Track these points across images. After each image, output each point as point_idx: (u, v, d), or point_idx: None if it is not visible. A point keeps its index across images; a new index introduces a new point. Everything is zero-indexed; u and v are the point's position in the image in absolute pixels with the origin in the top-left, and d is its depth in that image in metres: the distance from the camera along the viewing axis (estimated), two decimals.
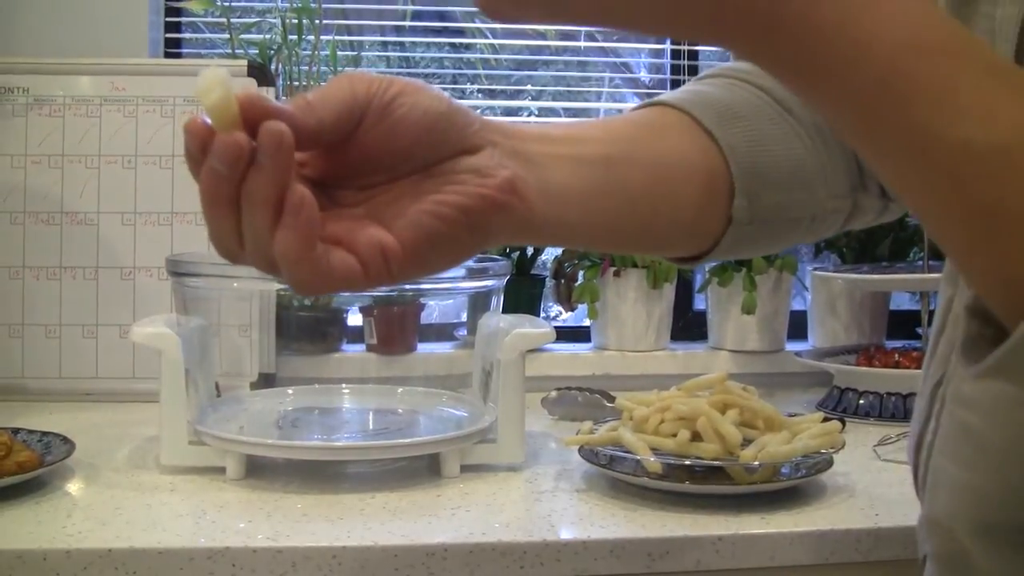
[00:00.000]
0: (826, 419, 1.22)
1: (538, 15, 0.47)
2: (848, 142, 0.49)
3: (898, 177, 0.48)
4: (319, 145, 0.55)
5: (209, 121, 0.52)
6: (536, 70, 2.19)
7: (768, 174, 0.72)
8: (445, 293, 1.63)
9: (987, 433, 0.52)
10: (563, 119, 2.19)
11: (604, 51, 2.18)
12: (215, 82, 0.51)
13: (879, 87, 0.45)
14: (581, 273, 1.82)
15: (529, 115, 2.20)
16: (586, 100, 2.22)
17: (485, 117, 0.61)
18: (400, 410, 1.44)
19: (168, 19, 1.92)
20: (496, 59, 2.15)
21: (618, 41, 2.17)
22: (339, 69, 1.83)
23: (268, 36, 1.83)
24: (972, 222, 0.46)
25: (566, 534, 1.06)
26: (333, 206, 0.57)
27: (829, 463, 1.20)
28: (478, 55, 2.13)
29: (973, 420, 0.54)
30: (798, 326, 1.93)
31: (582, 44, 2.15)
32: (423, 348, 1.78)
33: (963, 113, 0.44)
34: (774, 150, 0.72)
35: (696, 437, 1.16)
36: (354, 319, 1.79)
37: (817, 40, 0.45)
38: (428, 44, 2.11)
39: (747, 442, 1.16)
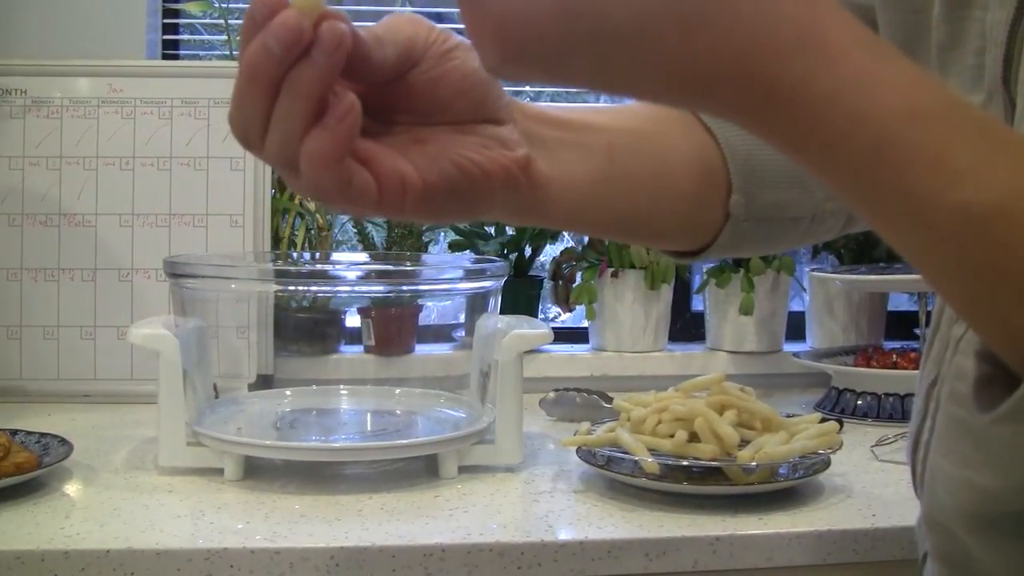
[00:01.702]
0: (824, 420, 1.22)
1: (539, 78, 0.47)
2: (848, 207, 0.49)
3: (899, 241, 0.48)
4: (378, 78, 0.56)
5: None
6: None
7: (765, 172, 0.72)
8: (443, 294, 1.63)
9: (984, 435, 0.53)
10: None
11: None
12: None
13: (875, 155, 0.45)
14: (579, 274, 1.82)
15: None
16: (584, 100, 2.22)
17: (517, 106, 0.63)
18: (398, 411, 1.44)
19: (166, 21, 1.92)
20: None
21: None
22: None
23: None
24: (973, 283, 0.46)
25: (564, 535, 1.06)
26: (366, 130, 0.57)
27: (827, 464, 1.20)
28: None
29: (974, 420, 0.53)
30: (796, 327, 1.93)
31: None
32: (421, 349, 1.78)
33: (959, 177, 0.44)
34: (772, 149, 0.72)
35: (694, 438, 1.16)
36: (352, 320, 1.79)
37: (812, 111, 0.45)
38: None
39: (745, 443, 1.16)
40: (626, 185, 0.67)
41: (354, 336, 1.79)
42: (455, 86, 0.58)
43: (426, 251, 1.81)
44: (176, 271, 1.28)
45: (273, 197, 1.71)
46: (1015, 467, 0.51)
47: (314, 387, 1.53)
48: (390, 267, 1.53)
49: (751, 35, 0.44)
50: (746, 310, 1.79)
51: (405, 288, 1.49)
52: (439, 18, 2.09)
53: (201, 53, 1.99)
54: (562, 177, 0.63)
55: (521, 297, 1.81)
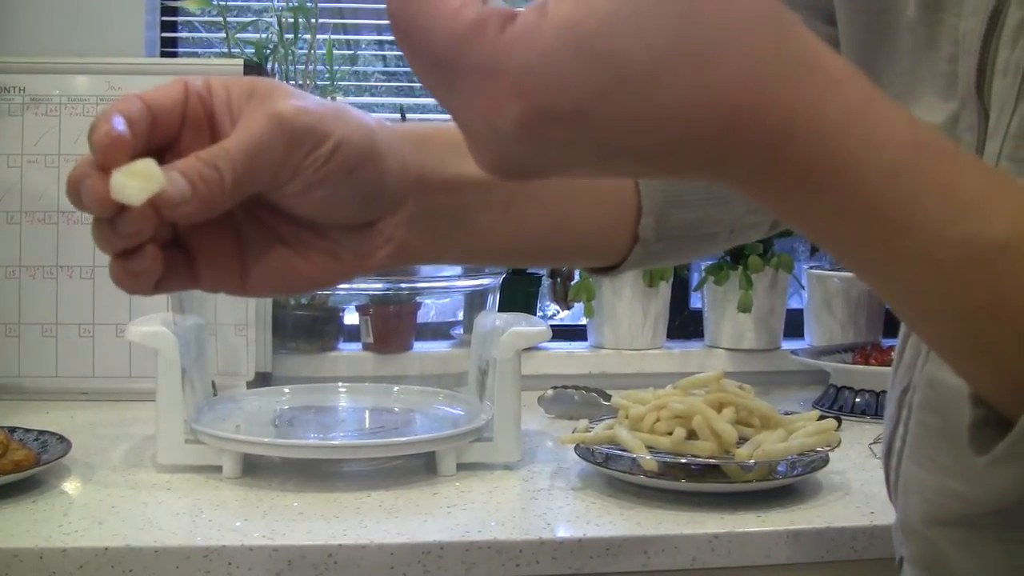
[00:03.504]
0: (822, 417, 1.23)
1: (557, 145, 0.44)
2: (849, 262, 0.48)
3: (899, 283, 0.47)
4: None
5: (117, 178, 0.50)
6: None
7: (680, 193, 0.71)
8: (441, 292, 1.63)
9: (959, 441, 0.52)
10: None
11: None
12: (145, 178, 0.50)
13: (890, 182, 0.44)
14: (577, 272, 1.82)
15: None
16: None
17: (412, 151, 0.60)
18: (396, 409, 1.44)
19: (164, 18, 1.92)
20: None
21: None
22: (335, 69, 1.83)
23: (264, 35, 1.82)
24: (974, 321, 0.45)
25: (562, 532, 1.06)
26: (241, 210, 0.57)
27: (825, 461, 1.20)
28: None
29: (947, 427, 0.54)
30: (794, 324, 1.93)
31: None
32: (419, 347, 1.78)
33: (965, 210, 0.44)
34: None
35: (692, 435, 1.16)
36: (350, 318, 1.79)
37: (826, 143, 0.44)
38: None
39: (743, 440, 1.17)
40: (526, 230, 0.67)
41: (352, 334, 1.79)
42: (319, 210, 0.57)
43: None
44: None
45: None
46: (999, 479, 0.51)
47: (312, 385, 1.53)
48: None
49: (762, 62, 0.43)
50: (744, 307, 1.79)
51: (403, 286, 1.49)
52: None
53: (199, 51, 1.99)
54: (448, 244, 0.64)
55: (519, 295, 1.81)
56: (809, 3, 0.70)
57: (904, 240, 0.44)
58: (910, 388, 0.61)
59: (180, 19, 1.94)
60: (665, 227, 0.71)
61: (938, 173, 0.44)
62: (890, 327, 1.94)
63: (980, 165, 0.47)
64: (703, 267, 1.86)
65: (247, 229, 0.57)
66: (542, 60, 0.42)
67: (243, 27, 1.86)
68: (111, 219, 0.51)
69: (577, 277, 1.82)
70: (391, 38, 2.04)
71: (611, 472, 1.19)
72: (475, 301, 1.38)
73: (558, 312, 1.96)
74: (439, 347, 1.82)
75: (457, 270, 1.40)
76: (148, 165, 0.50)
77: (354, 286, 1.49)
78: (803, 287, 1.93)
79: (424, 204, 0.61)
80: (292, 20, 1.77)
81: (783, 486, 1.17)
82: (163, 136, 0.54)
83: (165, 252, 0.54)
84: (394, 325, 1.75)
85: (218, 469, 1.21)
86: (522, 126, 0.42)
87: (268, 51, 1.78)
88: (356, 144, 0.55)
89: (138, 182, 0.50)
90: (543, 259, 0.71)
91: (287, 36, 1.77)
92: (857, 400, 1.59)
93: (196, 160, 0.51)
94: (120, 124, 0.51)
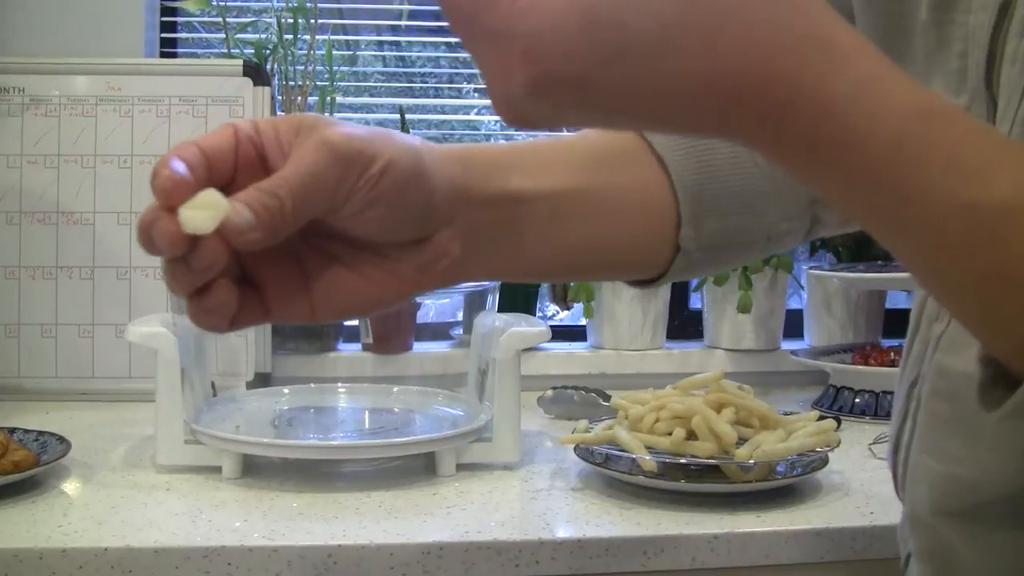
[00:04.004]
0: (821, 418, 1.23)
1: (565, 107, 0.47)
2: (860, 221, 0.49)
3: (909, 248, 0.49)
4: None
5: (184, 213, 0.52)
6: None
7: (716, 201, 0.72)
8: (441, 292, 1.63)
9: (970, 425, 0.53)
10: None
11: None
12: (211, 207, 0.53)
13: (894, 152, 0.45)
14: None
15: None
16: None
17: (457, 168, 0.62)
18: (396, 409, 1.44)
19: (164, 19, 1.91)
20: None
21: None
22: (335, 69, 1.83)
23: (264, 36, 1.82)
24: (982, 287, 0.46)
25: (562, 533, 1.06)
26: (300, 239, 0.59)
27: (824, 461, 1.20)
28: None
29: (956, 414, 0.55)
30: (794, 325, 1.93)
31: None
32: (419, 347, 1.78)
33: (972, 173, 0.45)
34: (723, 175, 0.73)
35: (691, 436, 1.16)
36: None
37: (833, 115, 0.45)
38: (424, 44, 2.11)
39: (742, 441, 1.17)
40: (570, 245, 0.69)
41: (352, 334, 1.79)
42: (375, 228, 0.59)
43: None
44: None
45: None
46: (1007, 457, 0.51)
47: (312, 385, 1.53)
48: None
49: (770, 34, 0.44)
50: (744, 308, 1.79)
51: None
52: (437, 16, 2.08)
53: (199, 51, 1.99)
54: (498, 259, 0.66)
55: (519, 295, 1.81)
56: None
57: (909, 208, 0.46)
58: (919, 380, 0.62)
59: (179, 19, 1.94)
60: (703, 236, 0.72)
61: (943, 141, 0.45)
62: (889, 328, 1.94)
63: (988, 132, 0.48)
64: None
65: (309, 258, 0.60)
66: (550, 28, 0.44)
67: (242, 27, 1.86)
68: (184, 257, 0.53)
69: None
70: (390, 39, 2.05)
71: (611, 472, 1.19)
72: (474, 301, 1.38)
73: (558, 313, 1.96)
74: (439, 347, 1.82)
75: None
76: (211, 195, 0.53)
77: None
78: (802, 287, 1.93)
79: (471, 219, 0.63)
80: (291, 20, 1.77)
81: (783, 486, 1.17)
82: (219, 179, 0.56)
83: (236, 289, 0.57)
84: (394, 325, 1.75)
85: (218, 469, 1.21)
86: (530, 89, 0.45)
87: (267, 51, 1.78)
88: (404, 163, 0.58)
89: (205, 212, 0.52)
90: (589, 273, 0.74)
91: (286, 36, 1.77)
92: (857, 400, 1.59)
93: (257, 191, 0.54)
94: (180, 166, 0.53)
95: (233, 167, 0.57)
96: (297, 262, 0.60)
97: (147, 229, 0.53)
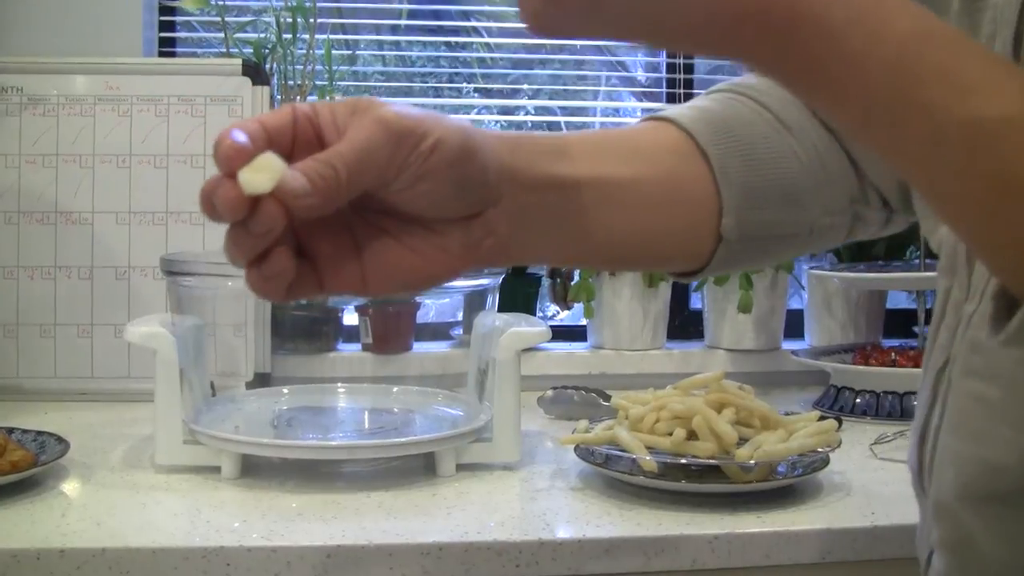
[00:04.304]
0: (822, 418, 1.22)
1: (577, 18, 0.51)
2: (860, 139, 0.52)
3: (913, 163, 0.51)
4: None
5: (244, 175, 0.55)
6: (532, 69, 2.19)
7: (759, 193, 0.74)
8: (441, 292, 1.62)
9: (1005, 400, 0.55)
10: (562, 119, 2.19)
11: (600, 51, 2.17)
12: (269, 169, 0.56)
13: (892, 72, 0.48)
14: (577, 272, 1.82)
15: (525, 114, 2.20)
16: (582, 100, 2.22)
17: (504, 151, 0.65)
18: (396, 409, 1.44)
19: (162, 18, 1.91)
20: (492, 58, 2.15)
21: (615, 40, 2.16)
22: (334, 69, 1.82)
23: (263, 35, 1.82)
24: (987, 196, 0.48)
25: (562, 533, 1.06)
26: (345, 217, 0.62)
27: (825, 462, 1.20)
28: (474, 54, 2.13)
29: (989, 391, 0.56)
30: (794, 325, 1.92)
31: (578, 43, 2.15)
32: (419, 347, 1.78)
33: (971, 89, 0.47)
34: (766, 168, 0.74)
35: (692, 436, 1.16)
36: (349, 318, 1.79)
37: (832, 37, 0.48)
38: (424, 43, 2.11)
39: (743, 441, 1.16)
40: (614, 234, 0.71)
41: (352, 334, 1.79)
42: (428, 204, 0.61)
43: None
44: (173, 269, 1.28)
45: None
46: None
47: (311, 385, 1.53)
48: None
49: None
50: (745, 308, 1.79)
51: None
52: (436, 16, 2.08)
53: (198, 51, 1.99)
54: (541, 243, 0.69)
55: (519, 295, 1.81)
56: None
57: (910, 125, 0.49)
58: (948, 363, 0.62)
59: (178, 19, 1.94)
60: (745, 227, 0.73)
61: (941, 60, 0.49)
62: (890, 328, 1.94)
63: (984, 50, 0.51)
64: None
65: (362, 233, 0.62)
66: None
67: (241, 27, 1.86)
68: (244, 222, 0.56)
69: (577, 277, 1.81)
70: (390, 38, 2.04)
71: (611, 473, 1.19)
72: (474, 301, 1.38)
73: (558, 312, 1.96)
74: (438, 347, 1.82)
75: None
76: (269, 157, 0.56)
77: None
78: (803, 287, 1.93)
79: (518, 201, 0.65)
80: (291, 20, 1.77)
81: (783, 487, 1.17)
82: (278, 153, 0.58)
83: (293, 257, 0.59)
84: (393, 325, 1.74)
85: (217, 470, 1.21)
86: (544, 6, 0.51)
87: (266, 51, 1.77)
88: (454, 141, 0.60)
89: (263, 173, 0.55)
90: (631, 263, 0.77)
91: (286, 36, 1.77)
92: (857, 400, 1.59)
93: (313, 161, 0.57)
94: (241, 136, 0.56)
95: (291, 143, 0.59)
96: (350, 236, 0.62)
97: (209, 195, 0.56)
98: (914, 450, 0.67)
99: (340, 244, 0.62)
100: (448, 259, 0.63)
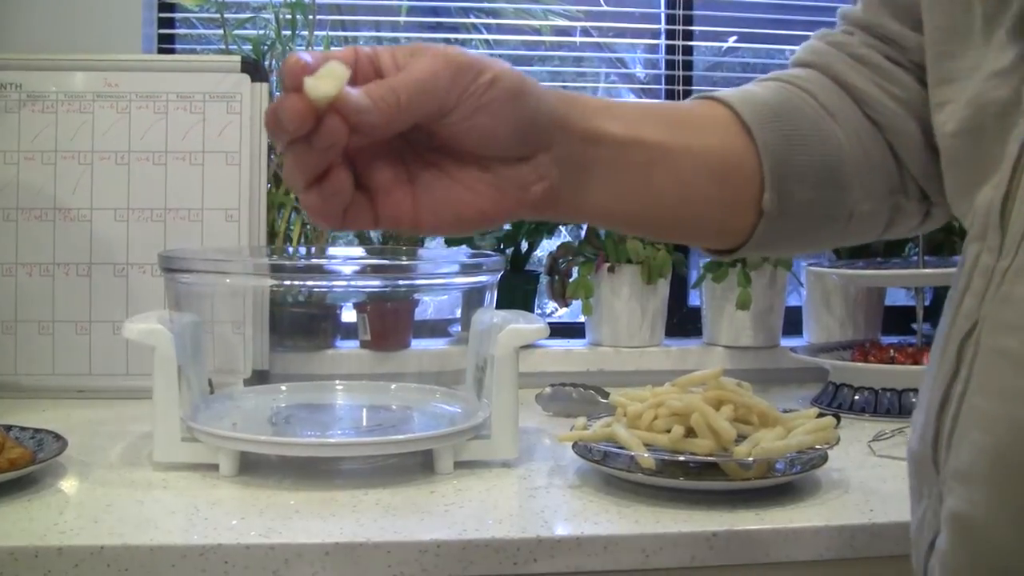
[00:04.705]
0: (821, 415, 1.22)
1: None
2: None
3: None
4: (398, 132, 0.62)
5: (309, 81, 0.58)
6: (532, 66, 2.19)
7: (801, 171, 0.76)
8: (439, 289, 1.62)
9: None
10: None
11: (600, 47, 2.17)
12: (333, 77, 0.58)
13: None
14: (575, 269, 1.82)
15: None
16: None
17: (557, 101, 0.68)
18: (394, 406, 1.44)
19: (161, 15, 1.91)
20: (492, 54, 2.14)
21: (614, 37, 2.16)
22: None
23: (262, 32, 1.82)
24: None
25: (560, 530, 1.06)
26: (395, 152, 0.64)
27: (824, 459, 1.20)
28: (473, 51, 2.13)
29: (1022, 347, 0.57)
30: (793, 322, 1.92)
31: (578, 40, 2.15)
32: (417, 344, 1.78)
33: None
34: (809, 148, 0.77)
35: (690, 433, 1.16)
36: (348, 315, 1.79)
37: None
38: (423, 39, 2.11)
39: (741, 438, 1.16)
40: (658, 197, 0.73)
41: (350, 331, 1.78)
42: (482, 137, 0.64)
43: (422, 246, 1.81)
44: (171, 266, 1.28)
45: (269, 192, 1.71)
46: None
47: (310, 382, 1.53)
48: (386, 262, 1.52)
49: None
50: (743, 305, 1.79)
51: (401, 283, 1.48)
52: (435, 12, 2.08)
53: (197, 48, 1.98)
54: (591, 197, 0.71)
55: (517, 292, 1.81)
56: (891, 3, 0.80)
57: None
58: (976, 327, 0.63)
59: (177, 16, 1.94)
60: (786, 203, 0.76)
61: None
62: (888, 324, 1.94)
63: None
64: (701, 264, 1.86)
65: (418, 170, 0.65)
66: None
67: (241, 24, 1.86)
68: (308, 137, 0.58)
69: (575, 275, 1.81)
70: (389, 35, 2.04)
71: (609, 470, 1.19)
72: (473, 298, 1.38)
73: (556, 309, 1.96)
74: (437, 344, 1.82)
75: (455, 267, 1.39)
76: (333, 65, 0.58)
77: (352, 283, 1.49)
78: (802, 284, 1.93)
79: (569, 150, 0.68)
80: (290, 17, 1.77)
81: (782, 484, 1.17)
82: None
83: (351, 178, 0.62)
84: (391, 322, 1.74)
85: (215, 467, 1.21)
86: None
87: (266, 48, 1.77)
88: (510, 80, 0.63)
89: (327, 80, 0.58)
90: (674, 229, 0.78)
91: (285, 33, 1.77)
92: (856, 397, 1.59)
93: (375, 84, 0.60)
94: (305, 55, 0.59)
95: (352, 81, 0.60)
96: (406, 171, 0.64)
97: (275, 111, 0.58)
98: (929, 425, 0.66)
99: (396, 178, 0.64)
100: (500, 198, 0.65)
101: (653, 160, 0.72)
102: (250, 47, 1.77)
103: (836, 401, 1.60)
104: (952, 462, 0.63)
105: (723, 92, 0.79)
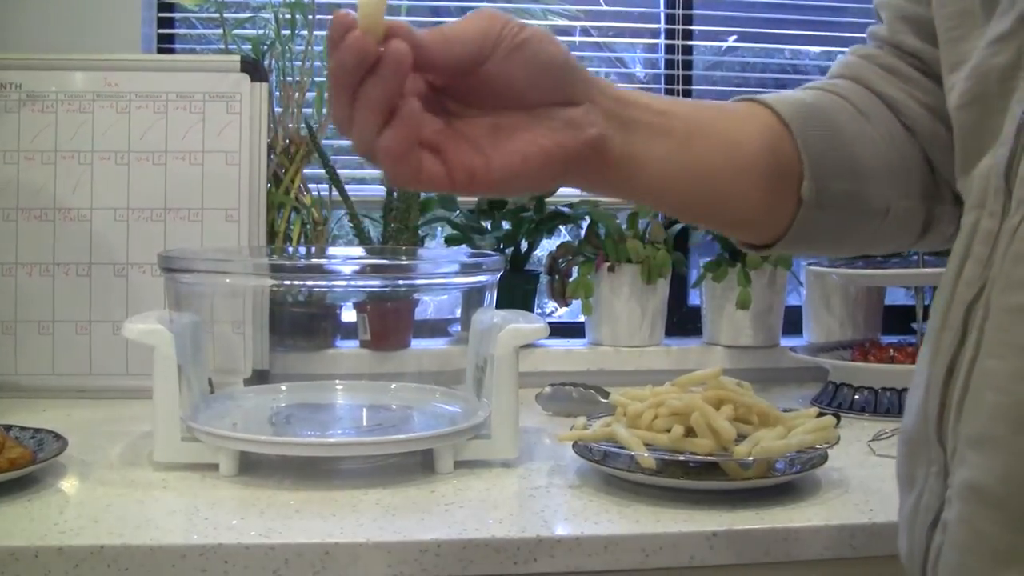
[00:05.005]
0: (821, 414, 1.22)
1: None
2: None
3: None
4: (449, 73, 0.66)
5: (357, 20, 0.61)
6: None
7: (839, 164, 0.79)
8: (439, 289, 1.62)
9: None
10: None
11: (599, 46, 2.17)
12: (372, 5, 0.61)
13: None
14: (575, 268, 1.82)
15: None
16: None
17: (592, 75, 0.71)
18: (394, 406, 1.44)
19: (161, 15, 1.92)
20: None
21: (613, 36, 2.16)
22: None
23: (261, 32, 1.82)
24: None
25: (560, 530, 1.06)
26: (443, 113, 0.67)
27: (824, 458, 1.20)
28: None
29: None
30: (793, 321, 1.92)
31: (577, 39, 2.15)
32: (417, 344, 1.78)
33: None
34: (846, 144, 0.80)
35: (690, 433, 1.16)
36: (348, 315, 1.79)
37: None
38: None
39: (741, 437, 1.16)
40: (702, 169, 0.75)
41: (350, 331, 1.78)
42: (527, 76, 0.67)
43: (422, 245, 1.81)
44: (171, 266, 1.28)
45: (269, 191, 1.71)
46: None
47: (310, 382, 1.53)
48: (386, 261, 1.53)
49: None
50: (743, 304, 1.79)
51: (401, 282, 1.48)
52: (434, 12, 2.08)
53: (196, 47, 1.99)
54: (640, 155, 0.72)
55: (517, 292, 1.81)
56: (903, 15, 0.84)
57: None
58: (983, 290, 0.63)
59: (177, 15, 1.94)
60: (824, 193, 0.78)
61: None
62: (888, 324, 1.94)
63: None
64: (701, 264, 1.86)
65: (476, 129, 0.68)
66: None
67: (240, 23, 1.86)
68: (374, 69, 0.61)
69: (575, 274, 1.81)
70: None
71: (609, 469, 1.19)
72: (473, 298, 1.38)
73: (556, 309, 1.96)
74: (437, 344, 1.82)
75: (455, 267, 1.39)
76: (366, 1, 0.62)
77: (352, 282, 1.49)
78: (801, 284, 1.93)
79: (608, 105, 0.71)
80: (289, 16, 1.77)
81: (782, 483, 1.17)
82: None
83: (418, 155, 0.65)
84: (391, 322, 1.74)
85: (215, 467, 1.21)
86: None
87: (265, 47, 1.77)
88: (539, 28, 0.68)
89: (370, 8, 0.61)
90: (713, 212, 0.80)
91: (284, 32, 1.77)
92: (856, 397, 1.59)
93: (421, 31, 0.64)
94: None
95: None
96: (464, 132, 0.67)
97: (338, 56, 0.61)
98: (932, 399, 0.66)
99: (456, 136, 0.67)
100: (557, 136, 0.68)
101: (696, 135, 0.75)
102: (249, 47, 1.77)
103: (836, 401, 1.60)
104: (964, 429, 0.63)
105: (763, 95, 0.82)
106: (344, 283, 1.52)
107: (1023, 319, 0.59)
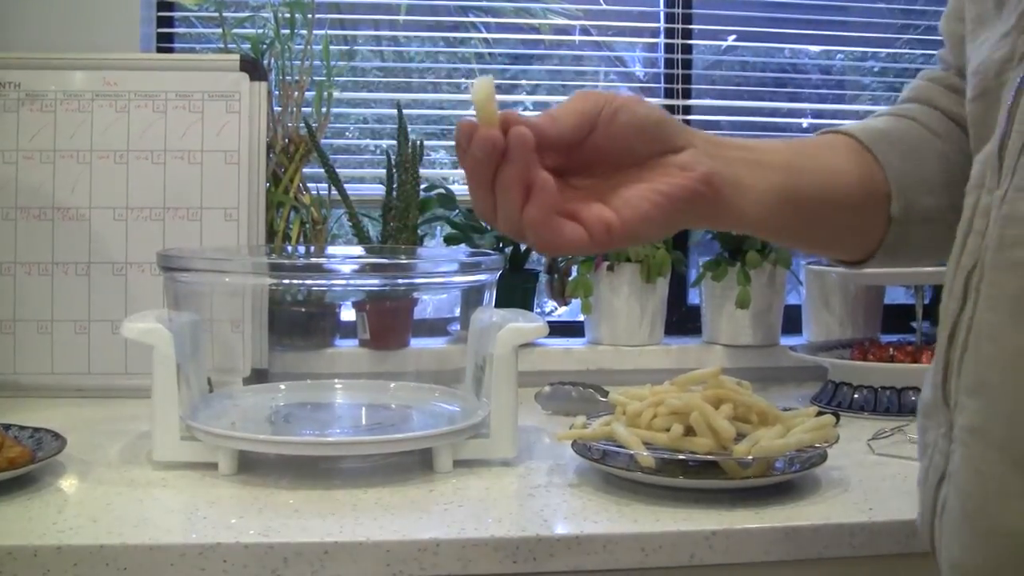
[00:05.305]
0: (820, 413, 1.22)
1: None
2: None
3: None
4: (561, 148, 0.71)
5: (475, 120, 0.67)
6: (531, 65, 2.18)
7: (921, 181, 0.85)
8: (438, 288, 1.62)
9: None
10: None
11: (599, 46, 2.17)
12: (486, 88, 0.67)
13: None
14: (575, 268, 1.82)
15: (524, 109, 2.20)
16: None
17: (686, 125, 0.78)
18: (393, 405, 1.44)
19: (160, 14, 1.91)
20: (491, 53, 2.14)
21: (613, 36, 2.16)
22: (332, 64, 1.82)
23: (261, 31, 1.82)
24: None
25: (559, 529, 1.05)
26: (569, 189, 0.73)
27: (823, 457, 1.20)
28: (473, 50, 2.13)
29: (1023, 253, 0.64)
30: (792, 320, 1.92)
31: (577, 39, 2.15)
32: (416, 343, 1.77)
33: None
34: (925, 162, 0.86)
35: (689, 432, 1.16)
36: (347, 314, 1.79)
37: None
38: (422, 39, 2.11)
39: (741, 437, 1.16)
40: (798, 198, 0.81)
41: (349, 330, 1.78)
42: (629, 136, 0.73)
43: (421, 244, 1.81)
44: (170, 265, 1.28)
45: (268, 190, 1.71)
46: None
47: (308, 381, 1.52)
48: (385, 261, 1.52)
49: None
50: (742, 303, 1.79)
51: (400, 282, 1.48)
52: (434, 11, 2.08)
53: (196, 46, 1.98)
54: (743, 189, 0.77)
55: (517, 291, 1.80)
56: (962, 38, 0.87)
57: None
58: (980, 256, 0.68)
59: (176, 14, 1.94)
60: (911, 210, 0.85)
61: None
62: (888, 323, 1.94)
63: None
64: (701, 263, 1.86)
65: (597, 190, 0.73)
66: None
67: (239, 23, 1.86)
68: (504, 153, 0.67)
69: (575, 273, 1.81)
70: (388, 34, 2.04)
71: (608, 468, 1.19)
72: (472, 297, 1.38)
73: (555, 308, 1.96)
74: (436, 343, 1.82)
75: (454, 266, 1.39)
76: (476, 83, 0.68)
77: (351, 282, 1.49)
78: (801, 283, 1.93)
79: (707, 147, 0.76)
80: (288, 16, 1.77)
81: (781, 482, 1.17)
82: None
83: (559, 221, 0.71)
84: (391, 321, 1.74)
85: (214, 466, 1.21)
86: None
87: (264, 47, 1.77)
88: (632, 95, 0.75)
89: (481, 96, 0.68)
90: (812, 237, 0.87)
91: (283, 31, 1.77)
92: (855, 396, 1.59)
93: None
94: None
95: None
96: (591, 195, 0.73)
97: (471, 154, 0.68)
98: (938, 364, 0.71)
99: (582, 198, 0.72)
100: (671, 179, 0.73)
101: (794, 164, 0.81)
102: (249, 46, 1.77)
103: (835, 399, 1.60)
104: (963, 380, 0.68)
105: (844, 126, 0.89)
106: (343, 282, 1.51)
107: (1014, 273, 0.64)
